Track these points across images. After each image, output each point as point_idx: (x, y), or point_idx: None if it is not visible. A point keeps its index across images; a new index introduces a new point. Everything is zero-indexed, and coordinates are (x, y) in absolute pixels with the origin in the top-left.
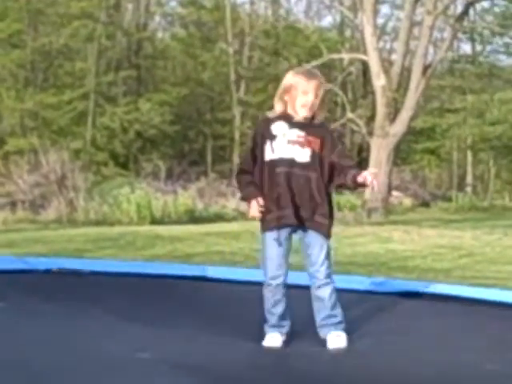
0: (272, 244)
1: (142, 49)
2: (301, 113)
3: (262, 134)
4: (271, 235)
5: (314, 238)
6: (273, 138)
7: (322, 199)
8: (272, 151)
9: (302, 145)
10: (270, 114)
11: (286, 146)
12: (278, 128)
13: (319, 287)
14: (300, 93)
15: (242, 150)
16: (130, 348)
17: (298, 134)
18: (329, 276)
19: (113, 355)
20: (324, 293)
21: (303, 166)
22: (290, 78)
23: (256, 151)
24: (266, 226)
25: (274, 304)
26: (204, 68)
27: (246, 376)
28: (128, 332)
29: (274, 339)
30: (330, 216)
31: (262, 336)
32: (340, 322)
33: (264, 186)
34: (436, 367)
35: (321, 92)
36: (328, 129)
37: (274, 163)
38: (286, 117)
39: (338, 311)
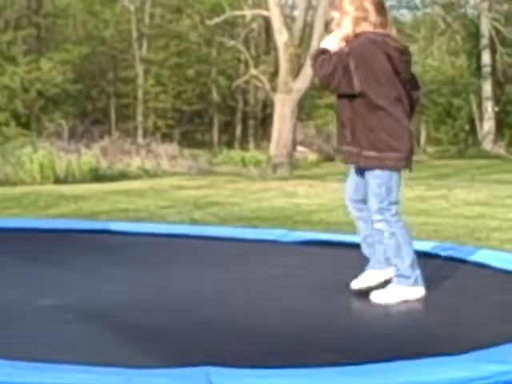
0: None
1: (42, 7)
2: None
3: None
4: None
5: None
6: None
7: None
8: None
9: None
10: None
11: None
12: None
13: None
14: None
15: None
16: (31, 295)
17: None
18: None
19: (12, 302)
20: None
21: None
22: None
23: None
24: None
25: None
26: (106, 26)
27: (149, 322)
28: (30, 280)
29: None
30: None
31: (164, 281)
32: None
33: None
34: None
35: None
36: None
37: None
38: None
39: (396, 260)
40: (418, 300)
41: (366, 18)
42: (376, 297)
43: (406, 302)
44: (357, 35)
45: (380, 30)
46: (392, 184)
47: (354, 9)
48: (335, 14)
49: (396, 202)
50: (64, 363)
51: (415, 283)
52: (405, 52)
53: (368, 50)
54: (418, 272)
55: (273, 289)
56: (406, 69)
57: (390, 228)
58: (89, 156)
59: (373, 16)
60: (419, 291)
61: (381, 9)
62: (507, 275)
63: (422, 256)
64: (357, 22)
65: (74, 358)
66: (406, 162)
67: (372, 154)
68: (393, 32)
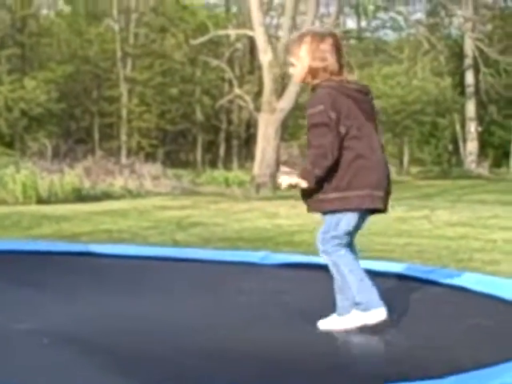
0: None
1: (27, 26)
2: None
3: None
4: None
5: None
6: None
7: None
8: None
9: None
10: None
11: None
12: None
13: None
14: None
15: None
16: (7, 319)
17: None
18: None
19: None
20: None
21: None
22: None
23: None
24: None
25: None
26: (90, 45)
27: (126, 345)
28: (7, 304)
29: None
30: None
31: (143, 306)
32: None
33: None
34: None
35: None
36: (312, 98)
37: None
38: None
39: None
40: (395, 325)
41: (324, 69)
42: (323, 325)
43: (377, 327)
44: (314, 87)
45: (336, 78)
46: (341, 221)
47: (311, 58)
48: (293, 60)
49: (339, 237)
50: None
51: (366, 308)
52: (366, 91)
53: (326, 99)
54: (371, 296)
55: (252, 315)
56: (370, 107)
57: (330, 258)
58: (72, 176)
59: (331, 65)
60: (375, 315)
61: (338, 53)
62: (488, 299)
63: (403, 278)
64: (314, 71)
65: (53, 381)
66: (364, 200)
67: (321, 196)
68: (348, 76)
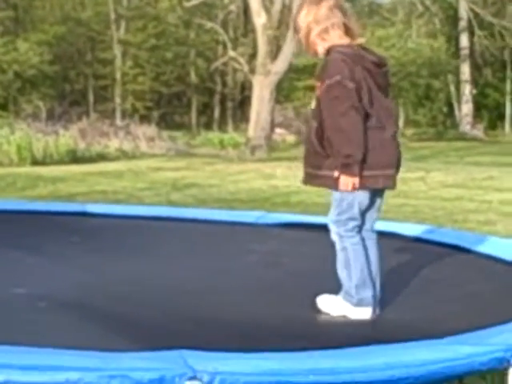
0: None
1: None
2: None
3: None
4: None
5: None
6: None
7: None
8: None
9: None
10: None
11: None
12: None
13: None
14: None
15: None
16: (4, 283)
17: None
18: (334, 223)
19: None
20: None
21: (311, 114)
22: None
23: None
24: None
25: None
26: (83, 7)
27: (121, 311)
28: (4, 267)
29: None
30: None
31: (140, 268)
32: (343, 290)
33: None
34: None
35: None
36: (326, 65)
37: None
38: None
39: (343, 275)
40: (389, 289)
41: (325, 30)
42: (321, 302)
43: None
44: (328, 51)
45: (351, 41)
46: (355, 201)
47: (312, 21)
48: (301, 37)
49: (355, 219)
50: (42, 347)
51: (359, 304)
52: (382, 64)
53: (342, 67)
54: (367, 294)
55: (246, 276)
56: (385, 80)
57: (341, 242)
58: (66, 137)
59: (335, 24)
60: (363, 313)
61: (342, 13)
62: (485, 259)
63: (401, 238)
64: (320, 34)
65: (51, 343)
66: (377, 180)
67: (328, 173)
68: (362, 40)
